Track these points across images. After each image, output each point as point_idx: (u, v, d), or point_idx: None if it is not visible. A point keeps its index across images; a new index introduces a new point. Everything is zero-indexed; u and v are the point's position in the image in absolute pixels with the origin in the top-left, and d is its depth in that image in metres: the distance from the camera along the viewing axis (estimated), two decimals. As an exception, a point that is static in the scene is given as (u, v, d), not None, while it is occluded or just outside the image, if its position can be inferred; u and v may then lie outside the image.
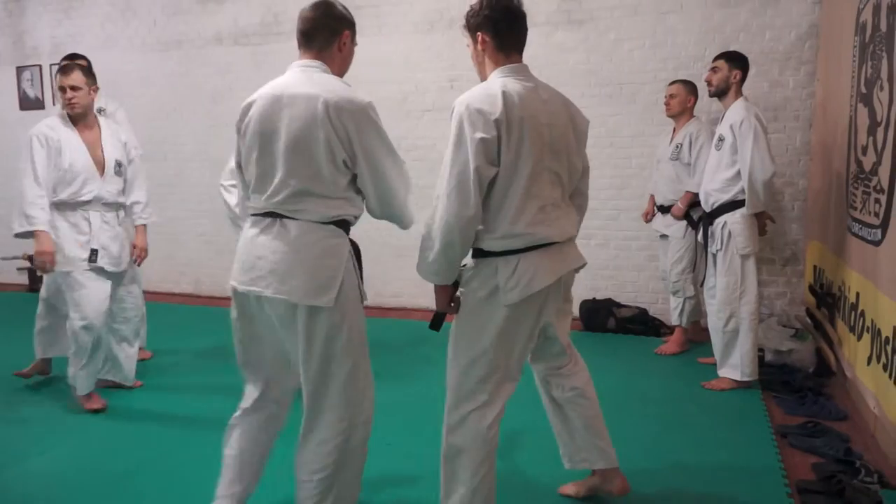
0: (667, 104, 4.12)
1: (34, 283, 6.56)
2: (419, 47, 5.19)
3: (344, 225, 2.04)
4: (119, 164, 3.49)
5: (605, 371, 3.96)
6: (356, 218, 2.09)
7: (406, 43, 5.22)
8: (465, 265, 2.10)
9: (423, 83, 5.18)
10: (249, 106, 2.03)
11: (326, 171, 1.93)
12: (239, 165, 2.14)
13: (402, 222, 2.14)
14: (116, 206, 3.51)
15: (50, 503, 2.56)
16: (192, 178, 6.09)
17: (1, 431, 3.24)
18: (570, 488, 2.52)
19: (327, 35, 2.04)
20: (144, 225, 3.71)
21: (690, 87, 4.05)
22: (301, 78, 2.00)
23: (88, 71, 3.41)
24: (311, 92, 1.93)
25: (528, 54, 5.42)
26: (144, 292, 6.18)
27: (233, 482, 2.17)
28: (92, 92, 3.39)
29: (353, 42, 2.13)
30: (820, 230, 4.20)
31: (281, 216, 1.98)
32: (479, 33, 2.09)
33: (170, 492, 2.62)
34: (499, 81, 2.02)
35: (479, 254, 2.06)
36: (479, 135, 1.91)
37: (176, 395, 3.69)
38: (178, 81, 5.98)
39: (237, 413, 2.20)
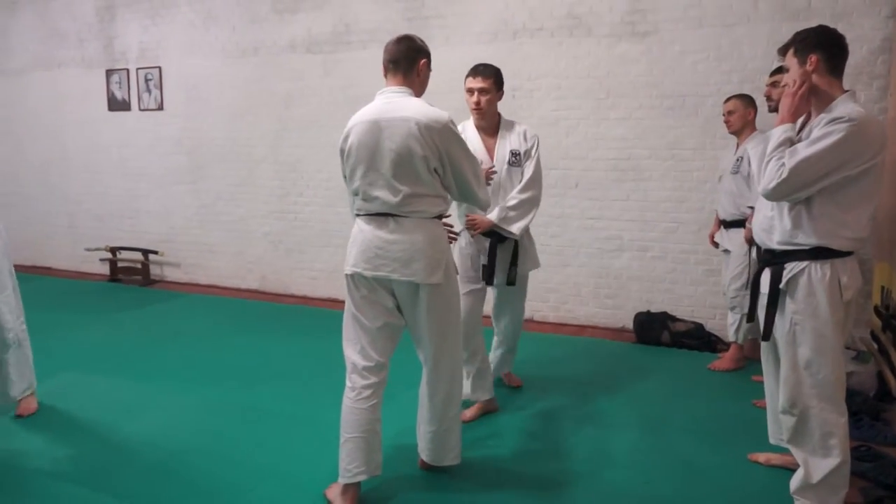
0: (727, 121, 4.06)
1: (115, 274, 6.99)
2: (482, 57, 5.18)
3: (440, 217, 2.59)
4: None
5: (655, 384, 3.97)
6: (447, 210, 2.63)
7: (470, 53, 5.30)
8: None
9: (485, 92, 5.25)
10: (349, 131, 2.50)
11: (425, 177, 2.45)
12: (345, 177, 2.60)
13: (478, 205, 2.71)
14: None
15: None
16: (260, 180, 6.37)
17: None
18: (762, 457, 2.94)
19: (409, 63, 2.52)
20: None
21: (748, 101, 3.99)
22: (393, 104, 2.47)
23: None
24: (405, 115, 2.41)
25: (588, 64, 5.37)
26: (214, 287, 6.61)
27: (364, 460, 2.53)
28: None
29: (428, 68, 2.60)
30: (888, 251, 4.06)
31: (395, 215, 2.47)
32: (812, 55, 2.29)
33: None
34: (860, 107, 2.24)
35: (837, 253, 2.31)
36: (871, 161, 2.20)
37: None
38: (253, 86, 6.26)
39: (355, 394, 2.54)
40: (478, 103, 3.23)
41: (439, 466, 2.80)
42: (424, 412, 2.73)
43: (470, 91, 3.25)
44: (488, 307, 3.61)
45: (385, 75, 2.57)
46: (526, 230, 3.33)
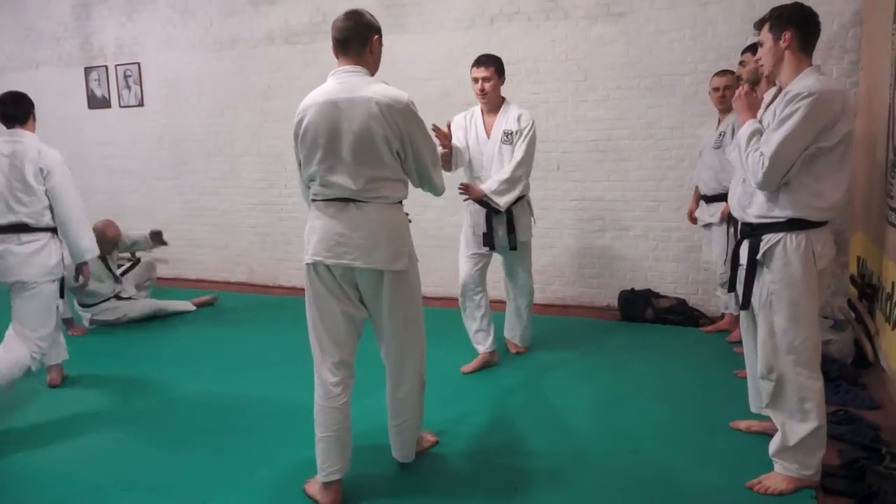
0: (722, 96, 4.08)
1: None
2: (461, 43, 5.30)
3: (401, 203, 2.49)
4: None
5: (640, 358, 4.05)
6: (407, 196, 2.53)
7: (448, 39, 5.34)
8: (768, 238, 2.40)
9: (465, 78, 5.24)
10: (304, 114, 2.35)
11: (387, 160, 2.34)
12: (299, 163, 2.47)
13: (435, 191, 2.58)
14: None
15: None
16: (244, 172, 6.37)
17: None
18: (742, 424, 3.01)
19: (360, 42, 2.37)
20: None
21: (738, 79, 4.05)
22: (349, 84, 2.32)
23: None
24: (364, 95, 2.28)
25: (566, 47, 5.39)
26: (202, 281, 6.61)
27: (340, 458, 2.50)
28: None
29: (380, 44, 2.44)
30: (863, 220, 4.15)
31: (356, 201, 2.36)
32: (787, 31, 2.34)
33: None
34: (822, 79, 2.31)
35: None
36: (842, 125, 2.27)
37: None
38: (233, 80, 6.25)
39: (324, 392, 2.48)
40: (482, 90, 3.73)
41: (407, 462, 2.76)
42: (389, 407, 2.66)
43: (475, 80, 3.74)
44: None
45: (336, 56, 2.39)
46: (513, 203, 3.73)
